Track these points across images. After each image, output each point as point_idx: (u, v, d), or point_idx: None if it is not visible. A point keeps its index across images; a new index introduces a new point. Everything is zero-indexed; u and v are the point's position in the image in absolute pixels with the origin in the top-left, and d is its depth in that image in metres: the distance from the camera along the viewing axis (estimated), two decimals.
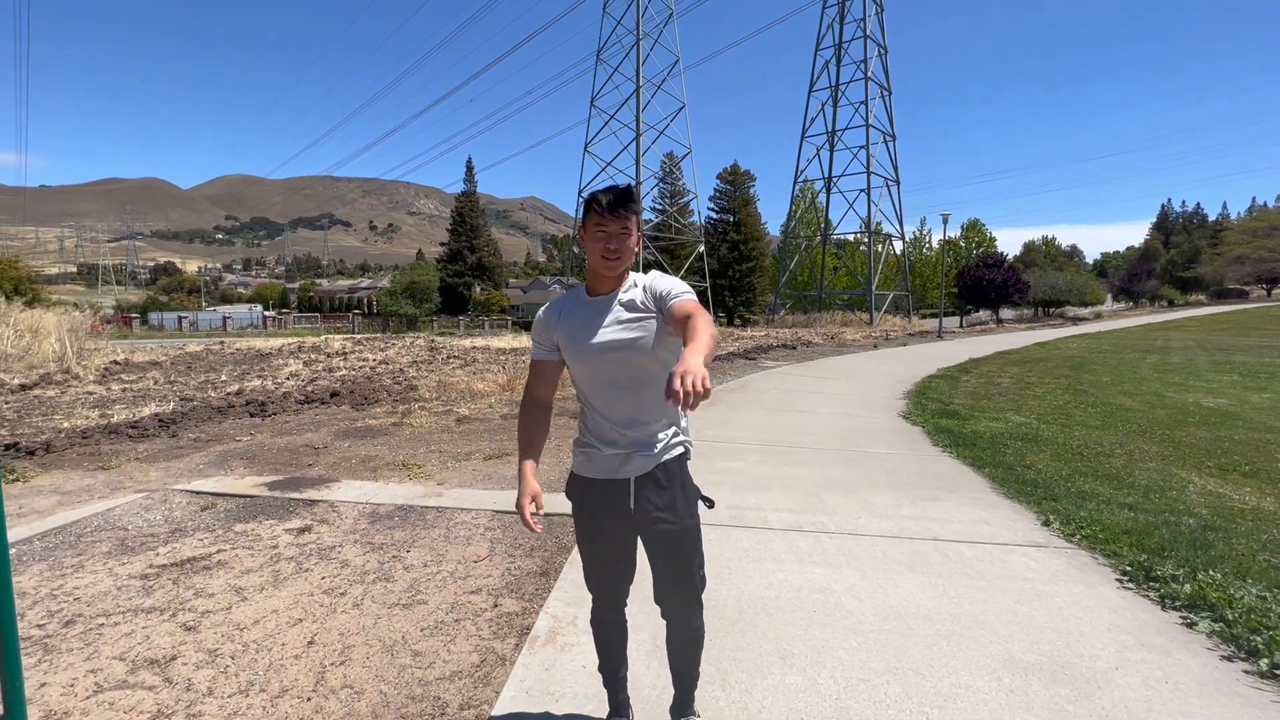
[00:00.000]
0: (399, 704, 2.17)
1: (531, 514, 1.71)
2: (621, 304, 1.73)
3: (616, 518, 1.77)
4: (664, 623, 1.87)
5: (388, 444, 6.25)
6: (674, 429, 1.79)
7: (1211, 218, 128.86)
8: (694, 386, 1.24)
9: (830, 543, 3.66)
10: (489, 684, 2.29)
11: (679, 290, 1.69)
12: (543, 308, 1.87)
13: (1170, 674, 2.35)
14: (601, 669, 1.98)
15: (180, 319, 46.35)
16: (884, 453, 6.07)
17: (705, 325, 1.49)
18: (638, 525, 1.76)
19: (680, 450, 1.79)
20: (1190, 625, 2.70)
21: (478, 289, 57.63)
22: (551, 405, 1.88)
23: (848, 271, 47.37)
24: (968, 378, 12.51)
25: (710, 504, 1.83)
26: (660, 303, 1.68)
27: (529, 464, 1.77)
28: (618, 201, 1.68)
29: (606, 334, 1.70)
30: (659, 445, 1.75)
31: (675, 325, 1.62)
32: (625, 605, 1.93)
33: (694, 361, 1.31)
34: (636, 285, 1.76)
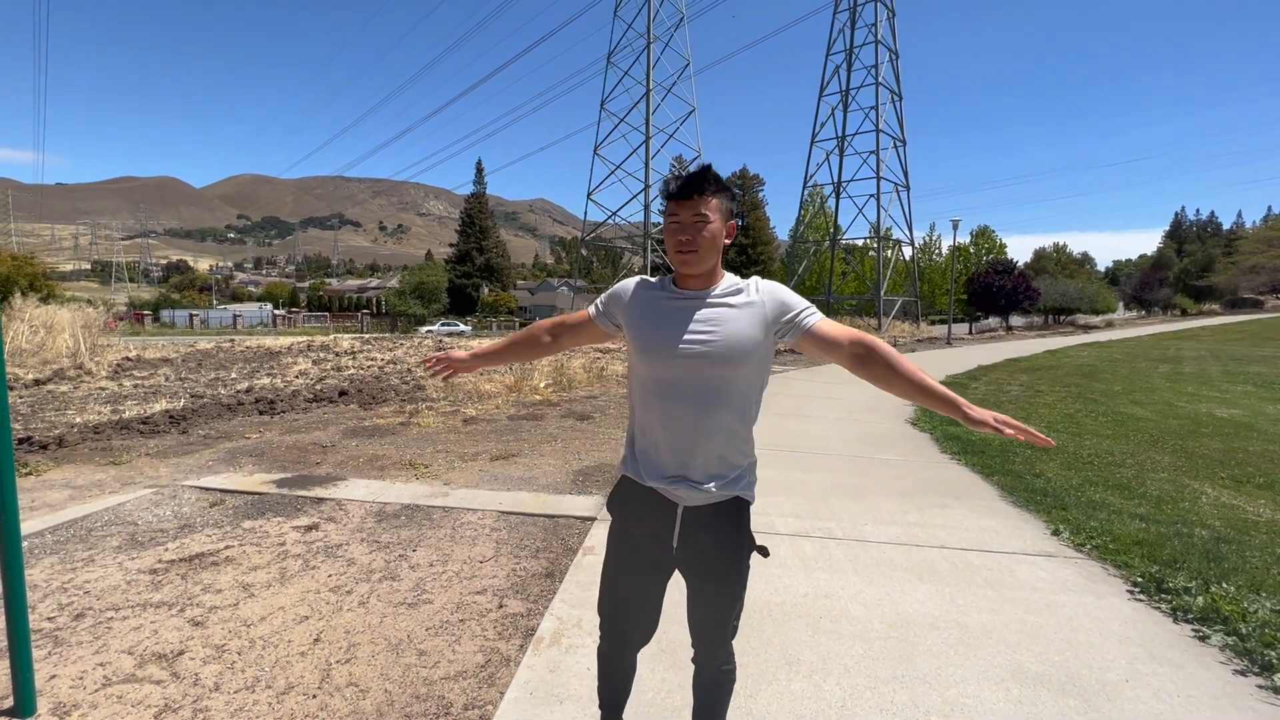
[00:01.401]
0: (403, 703, 2.17)
1: (436, 360, 1.79)
2: (719, 305, 1.48)
3: (655, 544, 1.55)
4: (675, 624, 1.75)
5: (395, 443, 6.27)
6: (742, 459, 1.53)
7: (1226, 226, 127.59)
8: (1006, 422, 1.31)
9: (837, 549, 3.63)
10: (493, 684, 2.29)
11: (807, 305, 1.49)
12: (630, 279, 1.65)
13: (1182, 687, 2.32)
14: (602, 706, 1.81)
15: (191, 316, 46.80)
16: (892, 459, 6.03)
17: (902, 358, 1.41)
18: (678, 561, 1.55)
19: (747, 489, 1.55)
20: (1203, 638, 2.67)
21: (486, 290, 57.85)
22: (548, 349, 1.75)
23: (856, 277, 47.23)
24: (977, 385, 12.43)
25: (765, 553, 1.56)
26: (784, 317, 1.47)
27: (484, 345, 1.82)
28: (691, 184, 1.43)
29: (695, 329, 1.45)
30: (717, 477, 1.49)
31: (829, 350, 1.45)
32: (641, 647, 1.72)
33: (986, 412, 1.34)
34: (745, 287, 1.51)
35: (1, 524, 2.02)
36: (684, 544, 1.52)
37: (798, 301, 1.50)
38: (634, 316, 1.55)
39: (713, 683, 1.69)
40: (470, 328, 44.92)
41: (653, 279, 1.61)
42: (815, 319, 1.48)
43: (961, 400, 1.37)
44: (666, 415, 1.48)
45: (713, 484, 1.49)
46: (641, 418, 1.55)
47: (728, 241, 1.50)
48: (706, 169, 1.46)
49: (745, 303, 1.48)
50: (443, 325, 46.54)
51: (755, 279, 1.54)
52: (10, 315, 13.41)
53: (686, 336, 1.45)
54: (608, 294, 1.65)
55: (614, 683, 1.75)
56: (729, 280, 1.53)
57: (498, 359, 1.81)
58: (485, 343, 1.77)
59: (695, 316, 1.47)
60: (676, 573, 1.60)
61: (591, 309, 1.67)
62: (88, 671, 2.31)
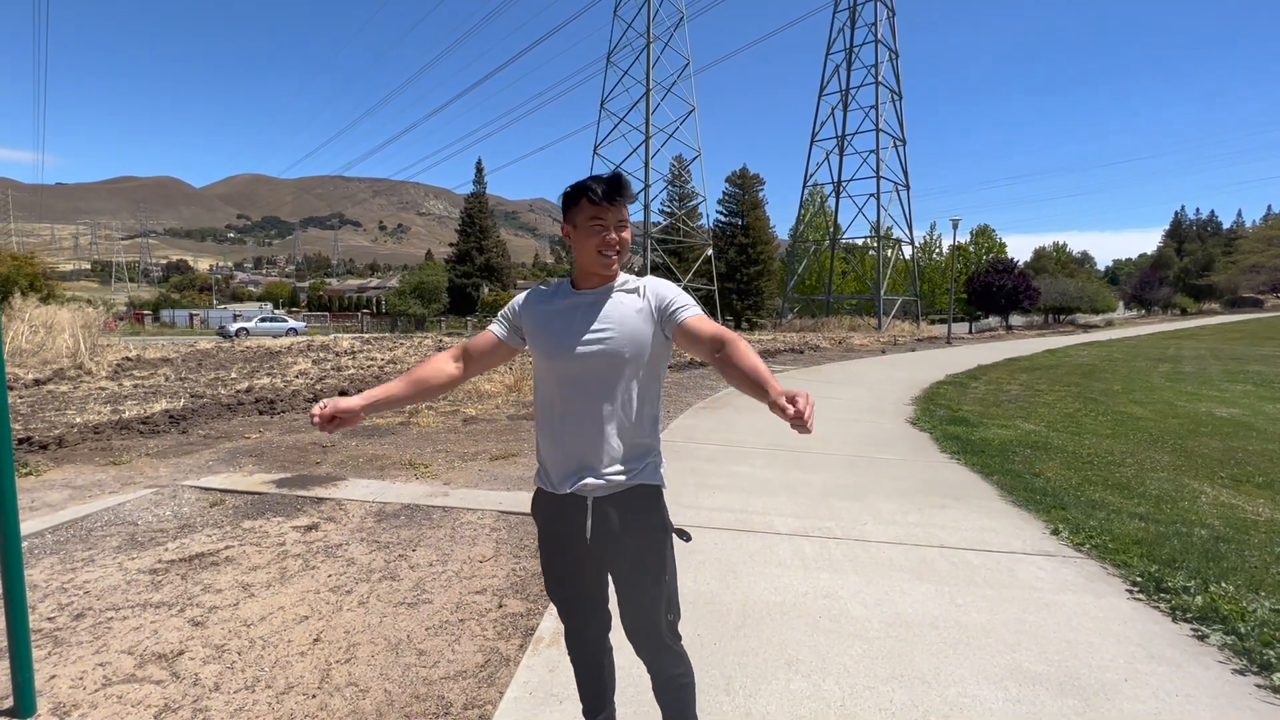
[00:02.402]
0: (403, 703, 2.17)
1: (320, 411, 1.50)
2: (614, 302, 1.54)
3: (571, 544, 1.58)
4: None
5: (395, 443, 6.28)
6: (648, 449, 1.59)
7: (1226, 225, 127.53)
8: (809, 408, 1.27)
9: (836, 548, 3.64)
10: (493, 684, 2.29)
11: (686, 300, 1.56)
12: (525, 291, 1.69)
13: (1181, 687, 2.32)
14: (582, 698, 1.80)
15: (191, 316, 46.78)
16: (891, 459, 6.04)
17: (748, 348, 1.41)
18: (594, 554, 1.58)
19: (653, 474, 1.60)
20: (1202, 638, 2.67)
21: (486, 290, 57.83)
22: (455, 381, 1.67)
23: (856, 276, 47.24)
24: (977, 384, 12.43)
25: (686, 538, 1.62)
26: (665, 312, 1.53)
27: (379, 390, 1.59)
28: (614, 189, 1.50)
29: (594, 333, 1.51)
30: (629, 464, 1.55)
31: (694, 343, 1.48)
32: (606, 638, 1.74)
33: (793, 388, 1.31)
34: (633, 285, 1.58)
35: (1, 524, 2.02)
36: (597, 531, 1.55)
37: (678, 297, 1.57)
38: (535, 324, 1.60)
39: (669, 694, 1.66)
40: (304, 323, 34.14)
41: (544, 287, 1.67)
42: (689, 313, 1.53)
43: (778, 385, 1.35)
44: (572, 412, 1.53)
45: (623, 468, 1.54)
46: (550, 422, 1.58)
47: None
48: (621, 175, 1.54)
49: (639, 299, 1.56)
50: (262, 321, 34.24)
51: (647, 278, 1.62)
52: (10, 315, 13.41)
53: (596, 334, 1.52)
54: (507, 309, 1.68)
55: (588, 677, 1.77)
56: (621, 278, 1.61)
57: (397, 400, 1.61)
58: (383, 385, 1.59)
59: (600, 314, 1.54)
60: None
61: (496, 327, 1.67)
62: (88, 671, 2.32)
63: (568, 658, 1.79)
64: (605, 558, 1.58)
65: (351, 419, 1.54)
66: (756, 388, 1.35)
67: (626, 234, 1.55)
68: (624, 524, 1.54)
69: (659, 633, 1.60)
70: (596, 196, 1.49)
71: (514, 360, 15.08)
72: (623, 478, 1.54)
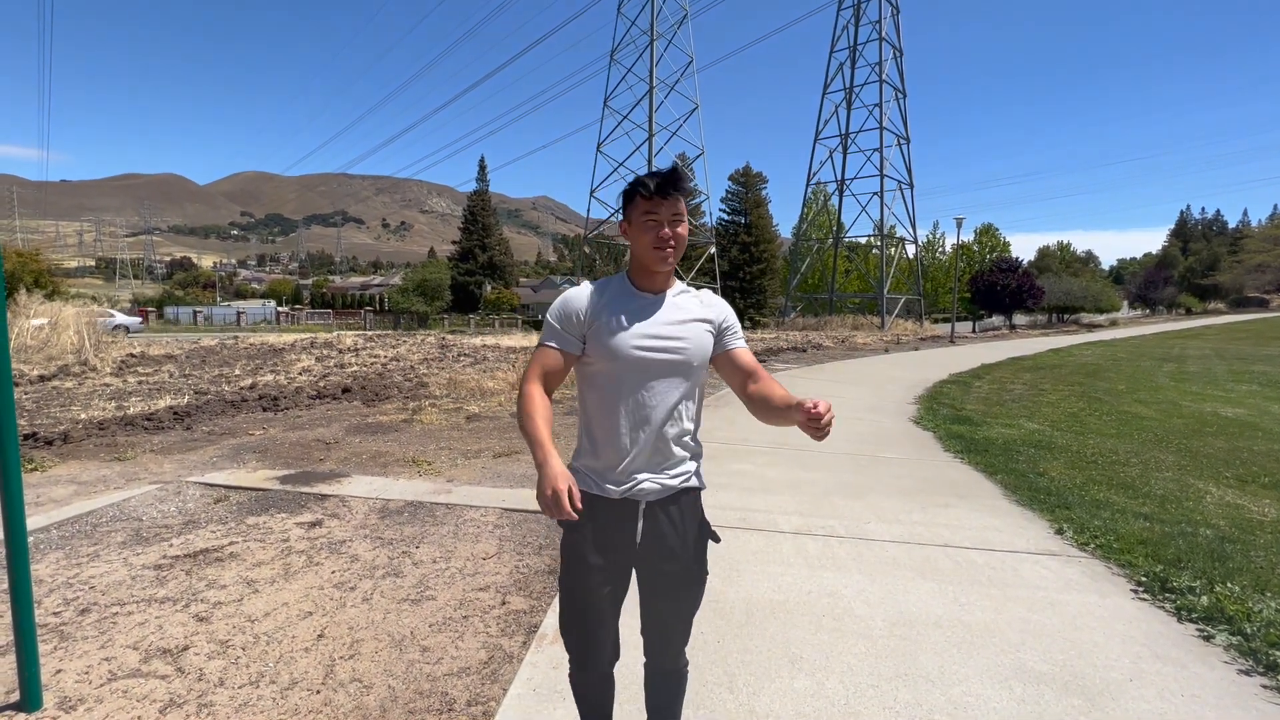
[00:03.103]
0: (407, 699, 2.18)
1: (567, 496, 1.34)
2: (676, 304, 1.55)
3: (618, 548, 1.53)
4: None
5: (398, 440, 6.29)
6: (695, 453, 1.61)
7: (1232, 225, 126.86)
8: (829, 415, 1.32)
9: (840, 547, 3.63)
10: (496, 681, 2.29)
11: (739, 327, 1.63)
12: (573, 289, 1.57)
13: (1186, 687, 2.31)
14: None
15: (195, 313, 46.89)
16: (895, 458, 6.03)
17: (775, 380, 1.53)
18: (638, 558, 1.55)
19: (698, 481, 1.62)
20: (1207, 638, 2.66)
21: (489, 287, 57.87)
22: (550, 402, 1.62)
23: (859, 275, 47.14)
24: (980, 383, 12.39)
25: (716, 539, 1.63)
26: (721, 330, 1.58)
27: (550, 443, 1.41)
28: (669, 182, 1.47)
29: (664, 331, 1.50)
30: (682, 468, 1.56)
31: (733, 373, 1.57)
32: (615, 662, 1.65)
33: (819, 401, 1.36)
34: (690, 291, 1.61)
35: (7, 519, 2.03)
36: (648, 536, 1.54)
37: (735, 321, 1.63)
38: (601, 323, 1.50)
39: (671, 680, 1.68)
40: (139, 319, 32.30)
41: (599, 281, 1.59)
42: (740, 344, 1.60)
43: (800, 399, 1.40)
44: (632, 413, 1.50)
45: (675, 473, 1.55)
46: (603, 422, 1.51)
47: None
48: (678, 168, 1.52)
49: (698, 304, 1.59)
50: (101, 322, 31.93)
51: (704, 291, 1.64)
52: (15, 311, 13.46)
53: (666, 332, 1.51)
54: (556, 316, 1.54)
55: (594, 701, 1.68)
56: (680, 285, 1.62)
57: (551, 443, 1.46)
58: (549, 447, 1.40)
59: (666, 314, 1.53)
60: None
61: (556, 342, 1.52)
62: (93, 666, 2.33)
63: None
64: (651, 561, 1.55)
65: (576, 496, 1.36)
66: (787, 413, 1.41)
67: (682, 229, 1.51)
68: (675, 527, 1.55)
69: (685, 631, 1.64)
70: (648, 191, 1.47)
71: (516, 357, 15.10)
72: (676, 481, 1.55)
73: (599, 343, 1.51)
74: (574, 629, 1.58)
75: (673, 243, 1.49)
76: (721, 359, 1.58)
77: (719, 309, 1.60)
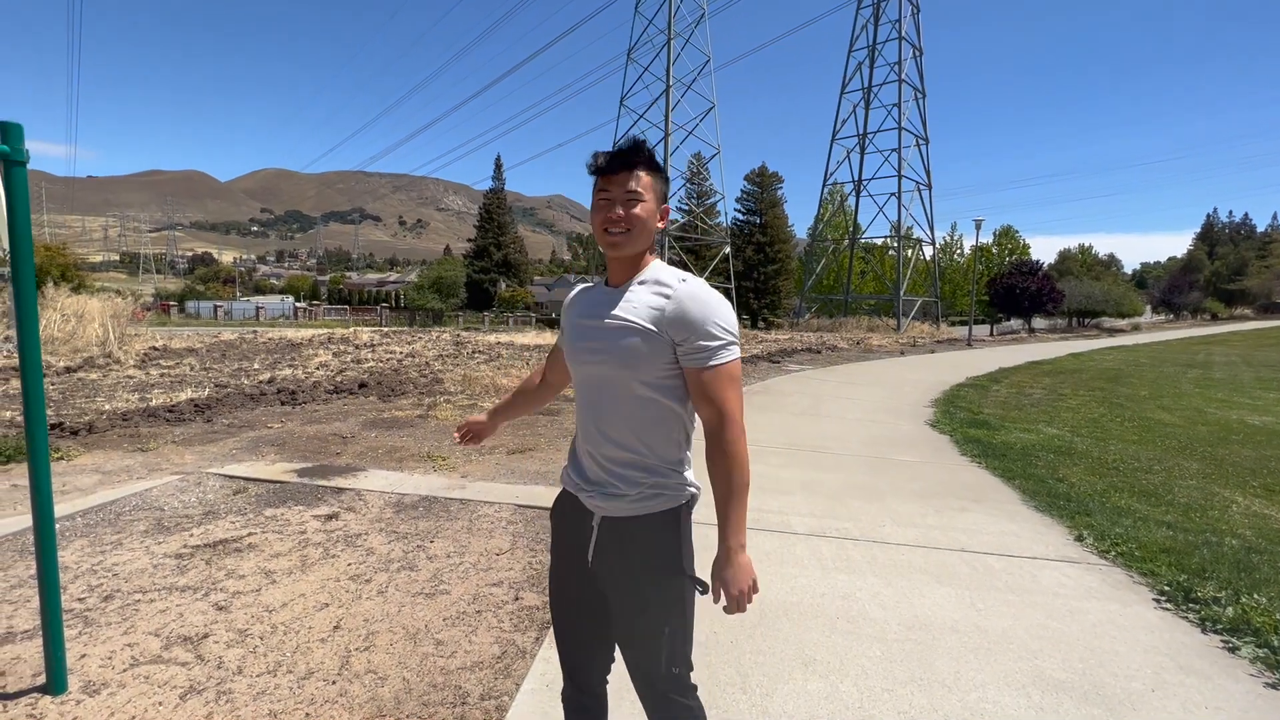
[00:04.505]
0: (421, 691, 2.19)
1: (462, 432, 1.80)
2: (626, 299, 1.30)
3: (577, 559, 1.39)
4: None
5: (413, 435, 6.34)
6: (664, 471, 1.32)
7: (1260, 228, 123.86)
8: (743, 599, 1.23)
9: (854, 549, 3.60)
10: (509, 676, 2.30)
11: (714, 344, 1.23)
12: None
13: (1211, 699, 2.26)
14: None
15: (216, 308, 47.64)
16: (910, 460, 5.96)
17: (735, 464, 1.23)
18: (600, 575, 1.36)
19: (665, 503, 1.32)
20: (1233, 650, 2.60)
21: (503, 285, 58.17)
22: (552, 387, 1.67)
23: (875, 276, 46.71)
24: (998, 387, 12.23)
25: (704, 589, 1.31)
26: (685, 342, 1.24)
27: (499, 403, 1.78)
28: (623, 157, 1.27)
29: (595, 339, 1.31)
30: (636, 488, 1.30)
31: (695, 399, 1.28)
32: (605, 684, 1.51)
33: (740, 560, 1.23)
34: (664, 288, 1.29)
35: (36, 507, 2.07)
36: (597, 559, 1.35)
37: (702, 328, 1.23)
38: (564, 321, 1.48)
39: None
40: None
41: (590, 283, 1.49)
42: (700, 361, 1.24)
43: (723, 547, 1.27)
44: (585, 417, 1.38)
45: (629, 491, 1.30)
46: (577, 420, 1.44)
47: (660, 226, 1.32)
48: (639, 142, 1.30)
49: (655, 301, 1.27)
50: None
51: (688, 278, 1.30)
52: (43, 304, 13.77)
53: (594, 332, 1.32)
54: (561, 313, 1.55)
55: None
56: (655, 270, 1.33)
57: (513, 410, 1.79)
58: (505, 398, 1.81)
59: (610, 311, 1.31)
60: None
61: (560, 337, 1.55)
62: (116, 652, 2.37)
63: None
64: (606, 586, 1.37)
65: (486, 430, 1.80)
66: (718, 514, 1.27)
67: (639, 209, 1.27)
68: (625, 555, 1.32)
69: (654, 688, 1.36)
70: (594, 166, 1.30)
71: (530, 355, 15.17)
72: (624, 504, 1.31)
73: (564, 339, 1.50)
74: (558, 642, 1.49)
75: (623, 225, 1.27)
76: (688, 376, 1.28)
77: (685, 309, 1.24)
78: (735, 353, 1.26)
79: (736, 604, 1.26)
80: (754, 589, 1.28)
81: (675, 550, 1.32)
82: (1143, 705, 2.22)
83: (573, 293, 1.51)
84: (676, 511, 1.34)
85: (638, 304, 1.29)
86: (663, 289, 1.29)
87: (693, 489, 1.37)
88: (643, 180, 1.29)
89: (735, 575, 1.26)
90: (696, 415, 1.33)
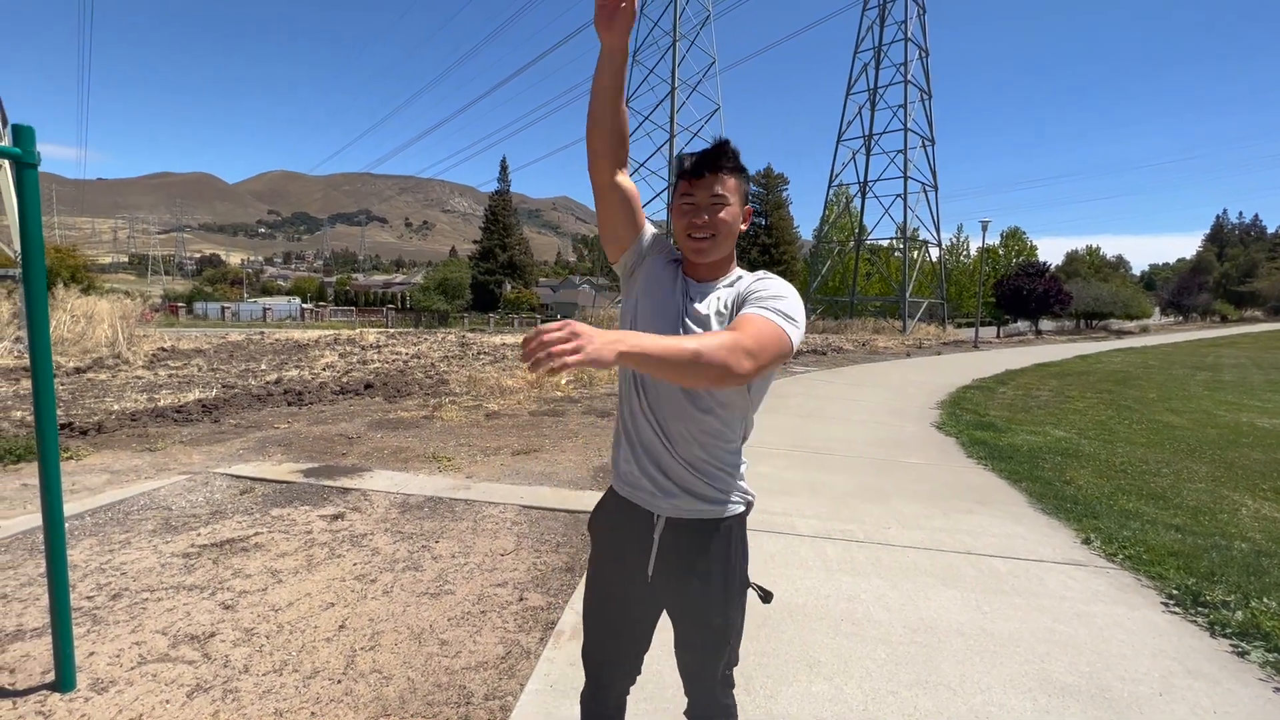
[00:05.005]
0: (425, 691, 2.20)
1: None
2: (711, 298, 1.29)
3: (639, 565, 1.34)
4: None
5: (419, 436, 6.36)
6: (734, 475, 1.32)
7: (1271, 230, 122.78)
8: (540, 349, 0.88)
9: (859, 551, 3.59)
10: (513, 676, 2.31)
11: (768, 293, 1.22)
12: (663, 238, 1.43)
13: (1219, 704, 2.24)
14: None
15: (223, 309, 47.97)
16: (916, 462, 5.94)
17: (710, 358, 1.03)
18: (657, 587, 1.33)
19: (732, 508, 1.33)
20: (1242, 654, 2.58)
21: (508, 287, 58.33)
22: (614, 140, 1.28)
23: (881, 278, 46.57)
24: (1005, 389, 12.16)
25: (767, 598, 1.38)
26: (746, 305, 1.22)
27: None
28: (705, 161, 1.24)
29: (680, 324, 1.28)
30: (711, 490, 1.29)
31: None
32: (627, 697, 1.48)
33: (588, 329, 0.91)
34: (736, 284, 1.31)
35: (46, 506, 2.09)
36: (662, 559, 1.31)
37: (765, 289, 1.24)
38: (641, 287, 1.34)
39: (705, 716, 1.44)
40: None
41: (674, 246, 1.40)
42: (749, 309, 1.18)
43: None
44: (651, 410, 1.29)
45: (705, 493, 1.29)
46: (625, 413, 1.35)
47: (743, 228, 1.30)
48: (725, 143, 1.26)
49: (729, 298, 1.29)
50: None
51: (760, 272, 1.32)
52: (53, 305, 13.89)
53: (681, 327, 1.27)
54: (651, 235, 1.38)
55: None
56: (734, 273, 1.34)
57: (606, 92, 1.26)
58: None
59: (694, 305, 1.28)
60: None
61: (646, 230, 1.37)
62: (124, 650, 2.39)
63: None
64: (665, 593, 1.34)
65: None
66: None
67: (725, 213, 1.25)
68: (693, 563, 1.30)
69: (710, 685, 1.39)
70: (682, 169, 1.27)
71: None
72: (704, 498, 1.30)
73: (626, 305, 1.37)
74: (589, 650, 1.45)
75: (709, 230, 1.24)
76: None
77: (747, 286, 1.28)
78: (794, 331, 1.16)
79: (537, 343, 0.90)
80: (574, 352, 0.89)
81: (742, 556, 1.35)
82: (1150, 709, 2.20)
83: (661, 254, 1.37)
84: (742, 517, 1.36)
85: (722, 309, 1.28)
86: (733, 286, 1.31)
87: (751, 495, 1.38)
88: (728, 184, 1.25)
89: (592, 333, 0.93)
90: (751, 408, 1.31)
